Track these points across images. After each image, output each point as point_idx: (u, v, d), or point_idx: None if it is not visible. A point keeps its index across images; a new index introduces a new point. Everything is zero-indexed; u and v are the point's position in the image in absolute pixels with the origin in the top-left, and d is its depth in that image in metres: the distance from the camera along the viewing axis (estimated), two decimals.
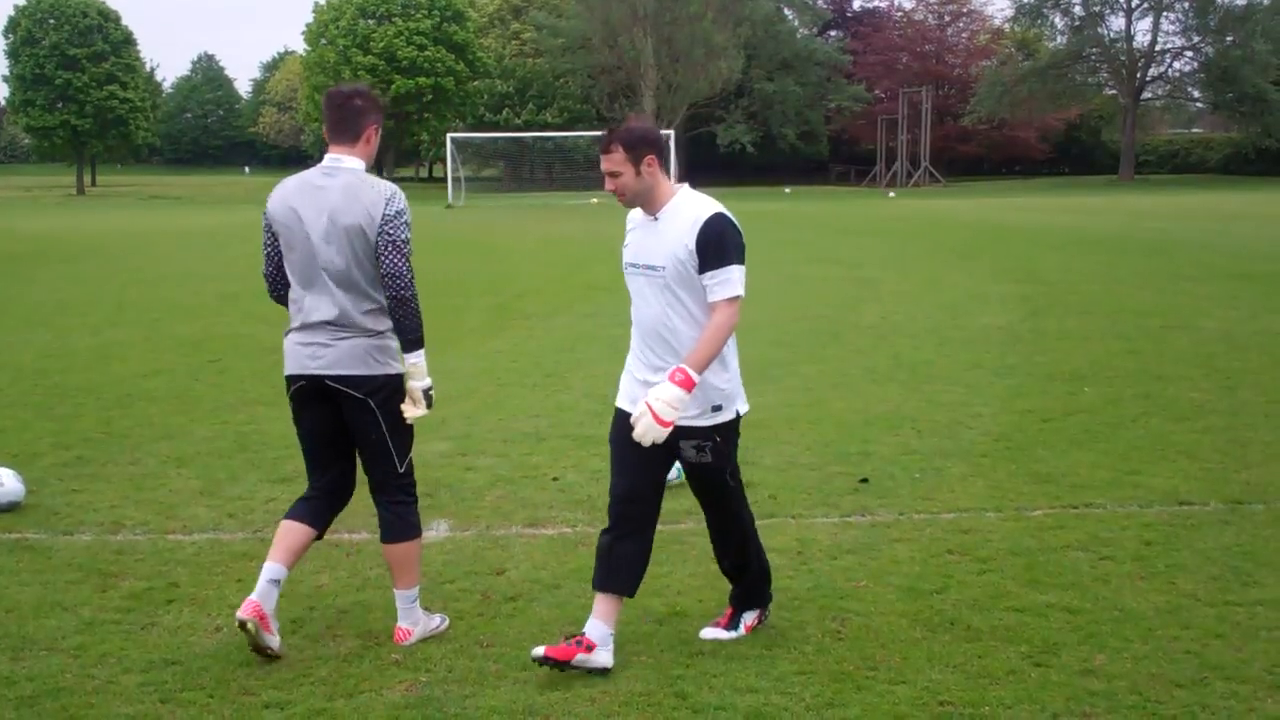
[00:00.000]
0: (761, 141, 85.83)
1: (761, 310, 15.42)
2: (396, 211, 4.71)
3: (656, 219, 4.78)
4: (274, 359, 12.08)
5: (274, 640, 4.74)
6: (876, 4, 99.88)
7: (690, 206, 4.74)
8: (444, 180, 66.58)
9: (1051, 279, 18.82)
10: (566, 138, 77.32)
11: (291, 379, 4.90)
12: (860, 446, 8.18)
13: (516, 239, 30.50)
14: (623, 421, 4.73)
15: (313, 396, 4.88)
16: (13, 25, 76.38)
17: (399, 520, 4.99)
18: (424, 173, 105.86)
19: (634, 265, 4.85)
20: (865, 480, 7.31)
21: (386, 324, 4.81)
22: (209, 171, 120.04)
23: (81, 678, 4.60)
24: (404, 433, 4.98)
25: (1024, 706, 4.31)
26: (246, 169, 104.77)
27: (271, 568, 4.84)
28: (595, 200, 54.59)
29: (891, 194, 67.89)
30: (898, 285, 18.26)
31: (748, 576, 5.07)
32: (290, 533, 4.93)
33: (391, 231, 4.68)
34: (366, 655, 4.81)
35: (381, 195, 4.70)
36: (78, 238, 32.48)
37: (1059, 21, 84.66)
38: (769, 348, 12.44)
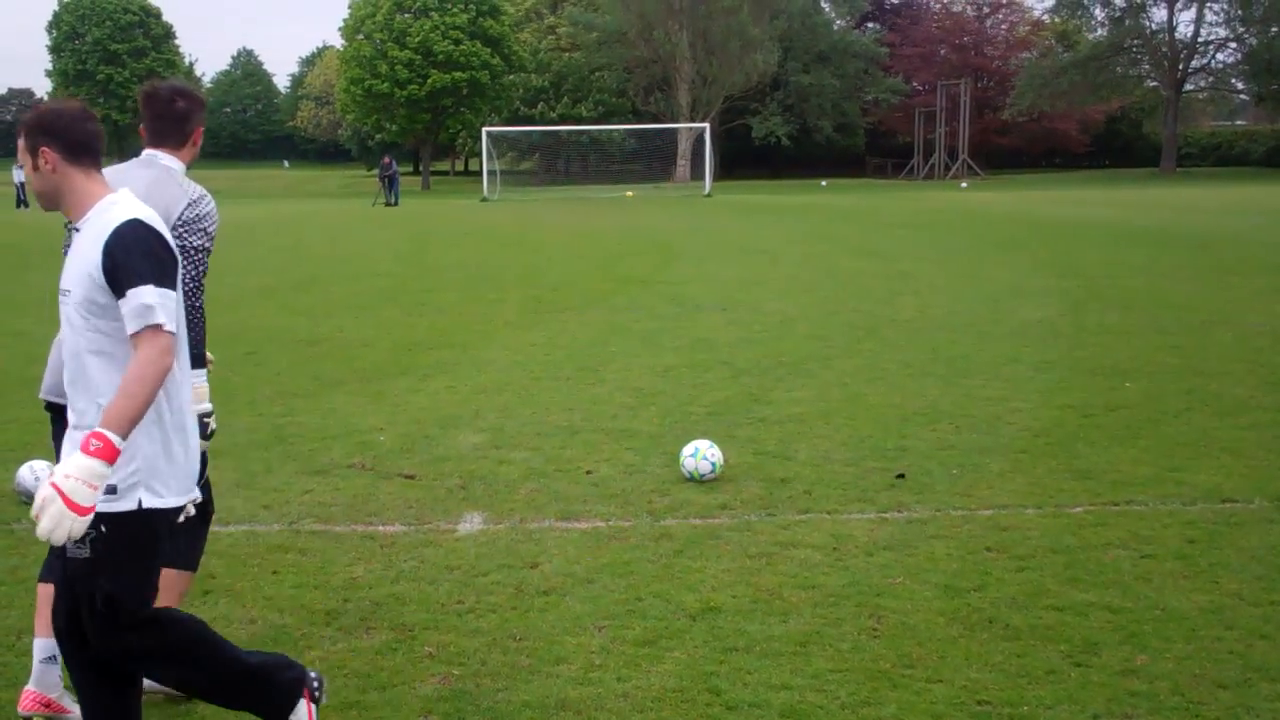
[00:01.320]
0: (797, 134, 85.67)
1: (797, 304, 15.37)
2: (196, 216, 4.34)
3: (79, 229, 3.65)
4: (311, 351, 12.18)
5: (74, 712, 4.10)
6: None
7: (109, 213, 3.57)
8: (479, 174, 66.70)
9: (1092, 273, 18.65)
10: (601, 131, 77.47)
11: None
12: (897, 441, 8.11)
13: (551, 232, 30.50)
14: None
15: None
16: (56, 22, 77.30)
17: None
18: (460, 166, 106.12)
19: (60, 288, 3.69)
20: (902, 476, 7.24)
21: None
22: (247, 165, 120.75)
23: None
24: None
25: (1064, 707, 4.25)
26: (286, 163, 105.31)
27: (42, 644, 4.23)
28: (630, 193, 54.61)
29: (964, 185, 67.57)
30: (935, 279, 18.13)
31: None
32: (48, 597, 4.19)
33: (184, 236, 4.28)
34: (400, 648, 4.79)
35: (186, 195, 4.33)
36: None
37: (1099, 13, 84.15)
38: (805, 342, 12.38)
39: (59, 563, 3.67)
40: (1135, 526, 6.26)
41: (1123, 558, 5.78)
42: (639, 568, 5.70)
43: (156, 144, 4.41)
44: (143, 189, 4.02)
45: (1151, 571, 5.59)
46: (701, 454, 7.10)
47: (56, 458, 4.03)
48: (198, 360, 4.22)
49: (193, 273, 4.30)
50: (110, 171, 4.16)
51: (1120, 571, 5.60)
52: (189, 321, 4.05)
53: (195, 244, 4.32)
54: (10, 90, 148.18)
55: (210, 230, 4.36)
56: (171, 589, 4.26)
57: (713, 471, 7.09)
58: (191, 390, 3.87)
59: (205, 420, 4.30)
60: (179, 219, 4.25)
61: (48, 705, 4.19)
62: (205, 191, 4.44)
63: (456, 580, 5.57)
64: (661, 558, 5.84)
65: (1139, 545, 5.95)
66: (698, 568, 5.69)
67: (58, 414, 4.13)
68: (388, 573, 5.69)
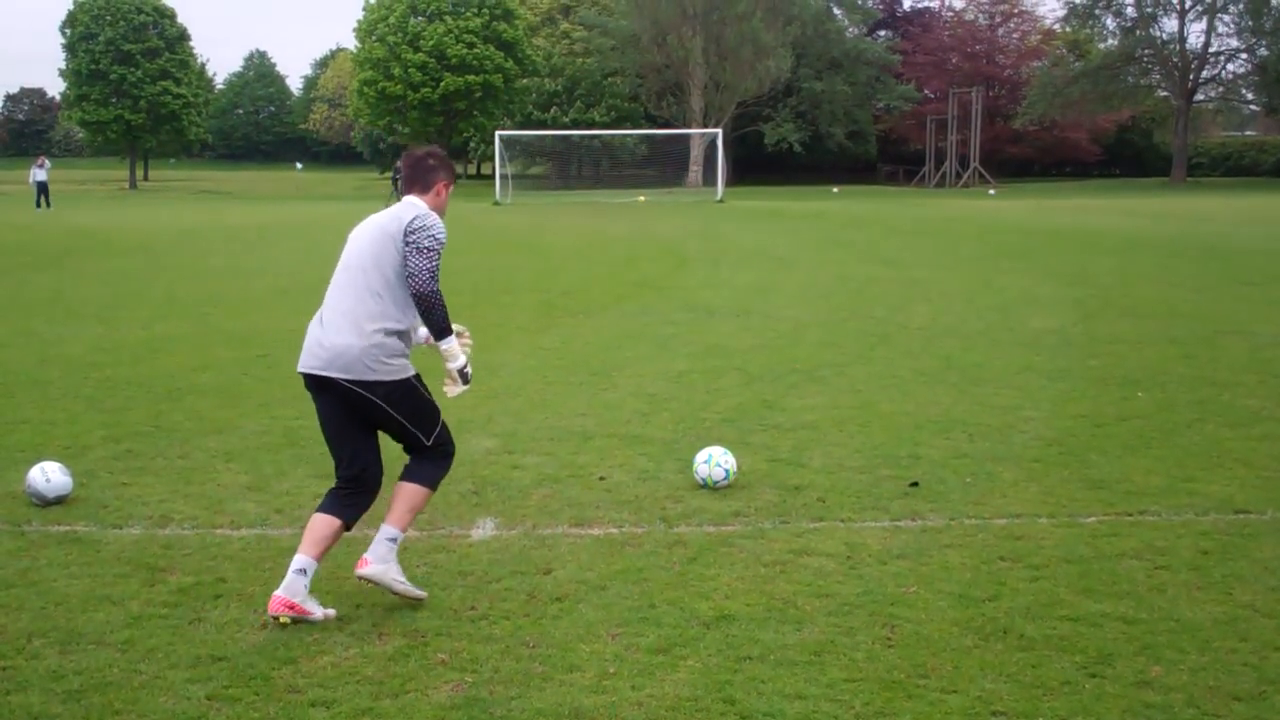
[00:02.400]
0: (809, 141, 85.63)
1: (810, 310, 15.36)
2: (422, 226, 5.26)
3: None
4: None
5: (318, 612, 5.10)
6: (927, 4, 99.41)
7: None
8: (491, 178, 66.81)
9: (1104, 282, 18.61)
10: (614, 136, 77.46)
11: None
12: (910, 449, 8.09)
13: (563, 236, 30.50)
14: None
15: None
16: (70, 21, 77.44)
17: (419, 465, 5.41)
18: (472, 170, 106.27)
19: None
20: (916, 484, 7.22)
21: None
22: (260, 167, 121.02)
23: (128, 672, 4.61)
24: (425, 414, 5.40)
25: (1079, 718, 4.23)
26: (299, 165, 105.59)
27: (299, 559, 5.15)
28: (642, 198, 54.60)
29: (992, 191, 67.46)
30: (948, 286, 18.11)
31: None
32: (316, 524, 5.24)
33: (414, 239, 5.25)
34: (413, 654, 4.79)
35: (413, 209, 5.35)
36: (129, 232, 32.79)
37: (1111, 23, 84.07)
38: (818, 349, 12.36)
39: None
40: (1149, 537, 6.24)
41: (1137, 568, 5.76)
42: (652, 575, 5.69)
43: (409, 189, 5.51)
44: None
45: (1165, 582, 5.57)
46: (715, 460, 7.09)
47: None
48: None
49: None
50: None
51: (1134, 582, 5.58)
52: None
53: (427, 244, 5.26)
54: (23, 89, 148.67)
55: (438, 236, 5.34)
56: None
57: (726, 478, 7.08)
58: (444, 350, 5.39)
59: (465, 371, 5.45)
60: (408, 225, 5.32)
61: (292, 608, 5.04)
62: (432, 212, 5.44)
63: (469, 586, 5.56)
64: (675, 565, 5.83)
65: (1153, 556, 5.93)
66: (711, 575, 5.68)
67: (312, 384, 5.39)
68: None
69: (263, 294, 17.58)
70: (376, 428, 5.36)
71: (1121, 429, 8.72)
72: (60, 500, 6.79)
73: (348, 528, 5.30)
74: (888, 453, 8.01)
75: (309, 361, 5.37)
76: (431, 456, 5.42)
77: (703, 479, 7.08)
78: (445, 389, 5.44)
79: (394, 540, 5.28)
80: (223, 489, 7.22)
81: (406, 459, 5.49)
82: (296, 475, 7.54)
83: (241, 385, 10.58)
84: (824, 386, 10.33)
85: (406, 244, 5.23)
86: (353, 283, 5.36)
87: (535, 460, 7.93)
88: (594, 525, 6.51)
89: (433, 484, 5.43)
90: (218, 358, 11.99)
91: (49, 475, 6.81)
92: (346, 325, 5.26)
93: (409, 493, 5.34)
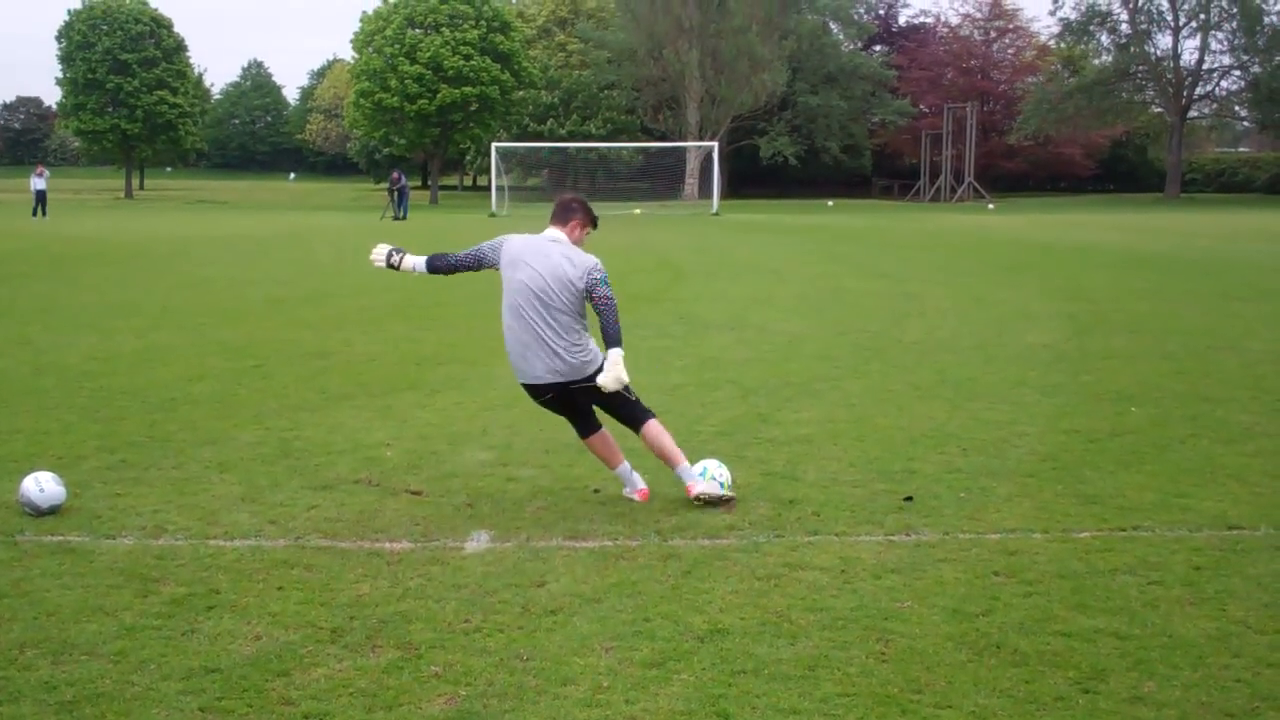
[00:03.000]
0: (805, 154, 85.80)
1: (805, 324, 15.39)
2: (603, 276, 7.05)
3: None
4: (318, 365, 12.18)
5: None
6: (922, 19, 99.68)
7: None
8: (488, 189, 66.86)
9: (1098, 297, 18.65)
10: (610, 148, 77.66)
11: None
12: (905, 464, 8.10)
13: None
14: None
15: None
16: (66, 31, 77.38)
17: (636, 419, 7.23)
18: (468, 181, 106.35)
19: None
20: (910, 498, 7.23)
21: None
22: (256, 177, 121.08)
23: (121, 683, 4.60)
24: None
25: None
26: (291, 175, 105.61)
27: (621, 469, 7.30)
28: (638, 210, 54.66)
29: (991, 206, 67.55)
30: (942, 301, 18.13)
31: None
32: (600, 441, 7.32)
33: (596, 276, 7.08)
34: (406, 667, 4.78)
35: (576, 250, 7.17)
36: (124, 241, 32.79)
37: (1105, 39, 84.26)
38: (813, 362, 12.38)
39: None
40: (1142, 552, 6.25)
41: (1130, 584, 5.77)
42: (646, 588, 5.69)
43: (554, 222, 7.28)
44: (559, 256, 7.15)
45: (1159, 598, 5.58)
46: (710, 474, 7.09)
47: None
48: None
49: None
50: (527, 239, 7.31)
51: (1127, 598, 5.58)
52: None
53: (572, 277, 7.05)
54: (19, 98, 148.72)
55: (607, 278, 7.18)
56: None
57: (721, 491, 7.08)
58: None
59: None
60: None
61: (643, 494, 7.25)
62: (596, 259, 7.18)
63: (463, 599, 5.56)
64: (669, 578, 5.82)
65: (1146, 571, 5.94)
66: (706, 589, 5.68)
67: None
68: (394, 590, 5.67)
69: (258, 304, 17.57)
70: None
71: (1115, 444, 8.73)
72: (54, 510, 6.77)
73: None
74: (882, 467, 8.02)
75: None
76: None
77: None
78: (615, 381, 6.86)
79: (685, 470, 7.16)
80: (216, 500, 7.22)
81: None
82: (290, 486, 7.53)
83: (236, 396, 10.57)
84: (818, 400, 10.34)
85: (590, 281, 6.98)
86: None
87: (530, 472, 7.93)
88: (588, 538, 6.51)
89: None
90: (212, 368, 11.98)
91: (43, 485, 6.80)
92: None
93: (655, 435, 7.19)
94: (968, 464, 8.12)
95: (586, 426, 7.30)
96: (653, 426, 7.14)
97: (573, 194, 7.46)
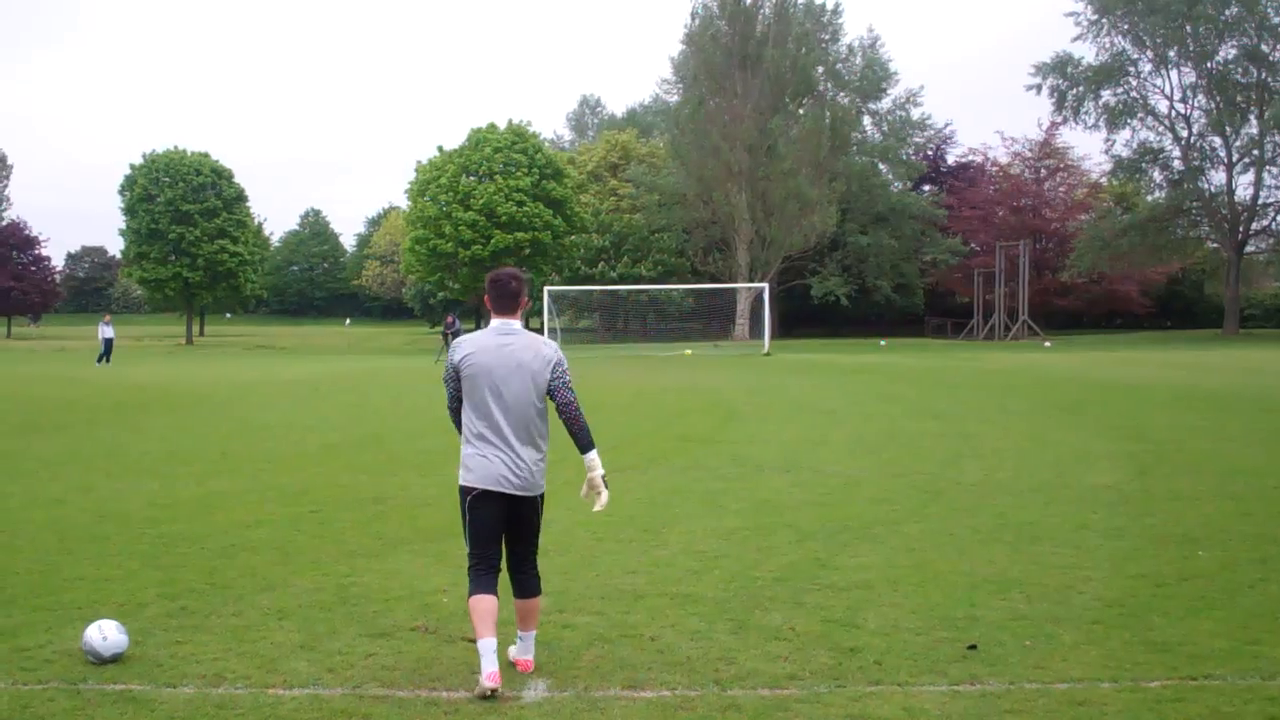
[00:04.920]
0: (856, 294, 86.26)
1: (861, 465, 15.29)
2: (561, 361, 6.76)
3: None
4: (374, 509, 12.22)
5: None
6: (971, 158, 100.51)
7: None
8: (540, 331, 67.51)
9: (1159, 436, 18.45)
10: (661, 290, 78.38)
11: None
12: (967, 610, 7.98)
13: (611, 390, 30.63)
14: None
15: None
16: (130, 183, 79.60)
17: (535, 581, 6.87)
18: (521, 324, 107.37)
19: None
20: (974, 646, 7.10)
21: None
22: (313, 322, 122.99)
23: None
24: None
25: None
26: (347, 321, 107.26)
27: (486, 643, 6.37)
28: (689, 351, 54.93)
29: (1048, 344, 67.37)
30: (1000, 441, 17.99)
31: None
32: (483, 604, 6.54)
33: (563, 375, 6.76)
34: None
35: (555, 351, 6.74)
36: (185, 387, 33.26)
37: (1158, 176, 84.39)
38: (871, 505, 12.28)
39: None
40: (1215, 702, 6.09)
41: None
42: None
43: (500, 311, 6.76)
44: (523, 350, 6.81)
45: None
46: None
47: None
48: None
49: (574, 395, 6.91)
50: (481, 336, 6.84)
51: None
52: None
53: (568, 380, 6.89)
54: (84, 248, 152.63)
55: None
56: None
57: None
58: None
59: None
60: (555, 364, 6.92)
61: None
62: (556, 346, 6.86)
63: None
64: None
65: None
66: None
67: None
68: None
69: (315, 449, 17.72)
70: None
71: (1183, 589, 8.56)
72: (116, 658, 6.80)
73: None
74: (944, 614, 7.90)
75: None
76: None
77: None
78: (597, 501, 6.84)
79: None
80: (275, 647, 7.21)
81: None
82: (348, 634, 7.52)
83: (294, 542, 10.61)
84: (877, 544, 10.23)
85: (554, 376, 6.72)
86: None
87: (586, 619, 7.88)
88: (646, 688, 6.43)
89: None
90: (270, 514, 12.05)
91: (106, 633, 6.84)
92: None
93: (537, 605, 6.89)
94: (1032, 610, 7.98)
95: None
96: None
97: (509, 271, 7.02)
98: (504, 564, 6.82)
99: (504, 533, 6.78)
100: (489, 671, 6.24)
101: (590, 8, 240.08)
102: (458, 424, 6.93)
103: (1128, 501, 12.41)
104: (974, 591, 8.51)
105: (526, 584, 6.84)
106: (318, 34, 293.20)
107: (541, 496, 6.86)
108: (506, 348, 6.69)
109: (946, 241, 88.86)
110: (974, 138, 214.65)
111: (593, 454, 6.91)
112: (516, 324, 6.72)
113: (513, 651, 6.85)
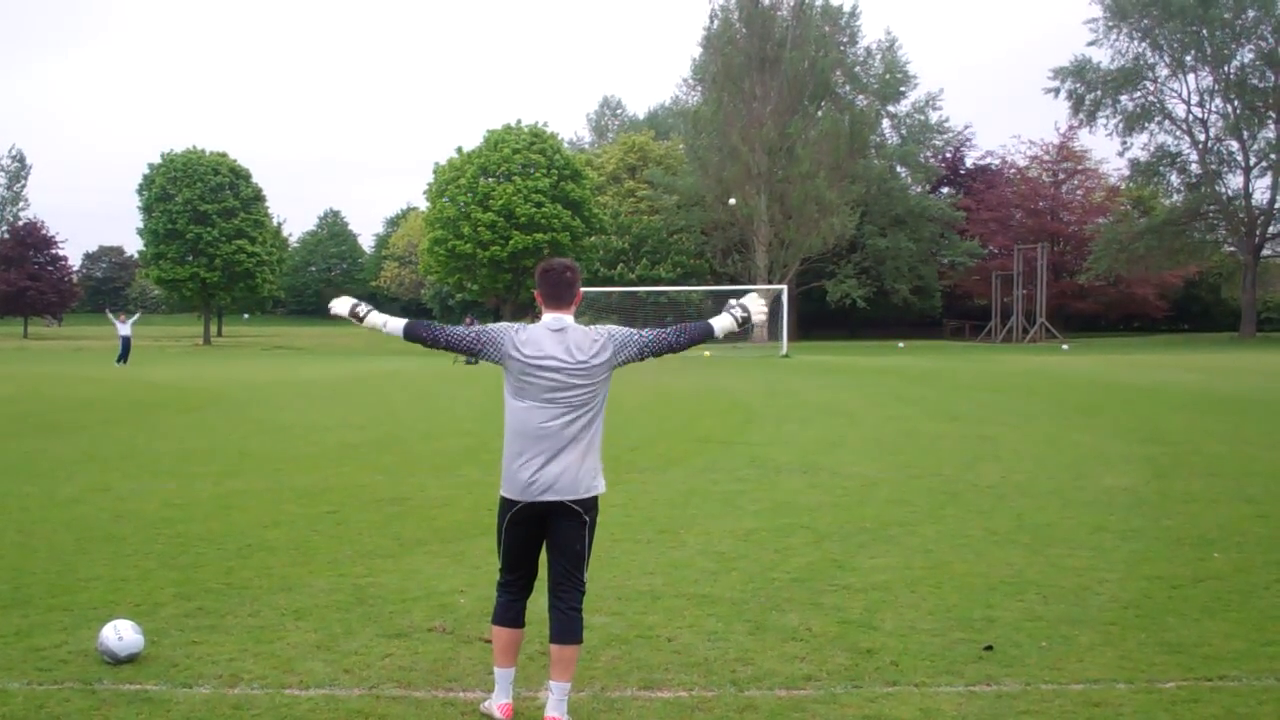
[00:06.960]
0: (874, 296, 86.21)
1: (878, 467, 15.27)
2: (612, 333, 6.29)
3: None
4: (392, 510, 12.24)
5: None
6: (989, 161, 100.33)
7: None
8: None
9: (1176, 439, 18.39)
10: (679, 292, 78.36)
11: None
12: (984, 611, 7.97)
13: (629, 391, 30.62)
14: None
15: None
16: (148, 183, 79.80)
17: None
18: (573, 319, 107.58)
19: None
20: (990, 647, 7.10)
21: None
22: (331, 323, 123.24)
23: None
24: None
25: None
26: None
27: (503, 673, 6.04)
28: (708, 354, 54.87)
29: (1065, 347, 67.20)
30: (1017, 444, 17.95)
31: None
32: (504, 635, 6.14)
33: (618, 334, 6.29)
34: None
35: (601, 330, 6.29)
36: (203, 387, 33.37)
37: (1175, 179, 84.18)
38: (888, 506, 12.27)
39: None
40: (1230, 703, 6.08)
41: None
42: None
43: (552, 305, 6.23)
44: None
45: None
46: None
47: None
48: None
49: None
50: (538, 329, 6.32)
51: None
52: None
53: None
54: (101, 247, 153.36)
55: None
56: None
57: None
58: None
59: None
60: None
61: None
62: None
63: None
64: None
65: None
66: None
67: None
68: None
69: (332, 449, 17.76)
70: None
71: (1198, 591, 8.54)
72: (132, 659, 6.83)
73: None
74: (961, 615, 7.90)
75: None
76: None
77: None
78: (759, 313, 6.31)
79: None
80: (292, 648, 7.23)
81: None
82: (365, 634, 7.54)
83: (311, 542, 10.64)
84: (894, 546, 10.23)
85: (616, 342, 6.26)
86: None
87: (603, 620, 7.88)
88: (663, 688, 6.44)
89: None
90: (288, 514, 12.09)
91: (121, 633, 6.86)
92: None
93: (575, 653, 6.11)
94: (1048, 612, 7.97)
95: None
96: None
97: (564, 261, 6.38)
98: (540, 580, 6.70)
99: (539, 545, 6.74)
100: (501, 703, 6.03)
101: (614, 7, 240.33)
102: (428, 337, 6.38)
103: (1144, 504, 12.37)
104: (990, 593, 8.50)
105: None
106: (339, 35, 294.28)
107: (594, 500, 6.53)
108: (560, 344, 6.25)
109: (964, 244, 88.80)
110: (992, 140, 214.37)
111: (720, 320, 6.35)
112: (569, 318, 6.20)
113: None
